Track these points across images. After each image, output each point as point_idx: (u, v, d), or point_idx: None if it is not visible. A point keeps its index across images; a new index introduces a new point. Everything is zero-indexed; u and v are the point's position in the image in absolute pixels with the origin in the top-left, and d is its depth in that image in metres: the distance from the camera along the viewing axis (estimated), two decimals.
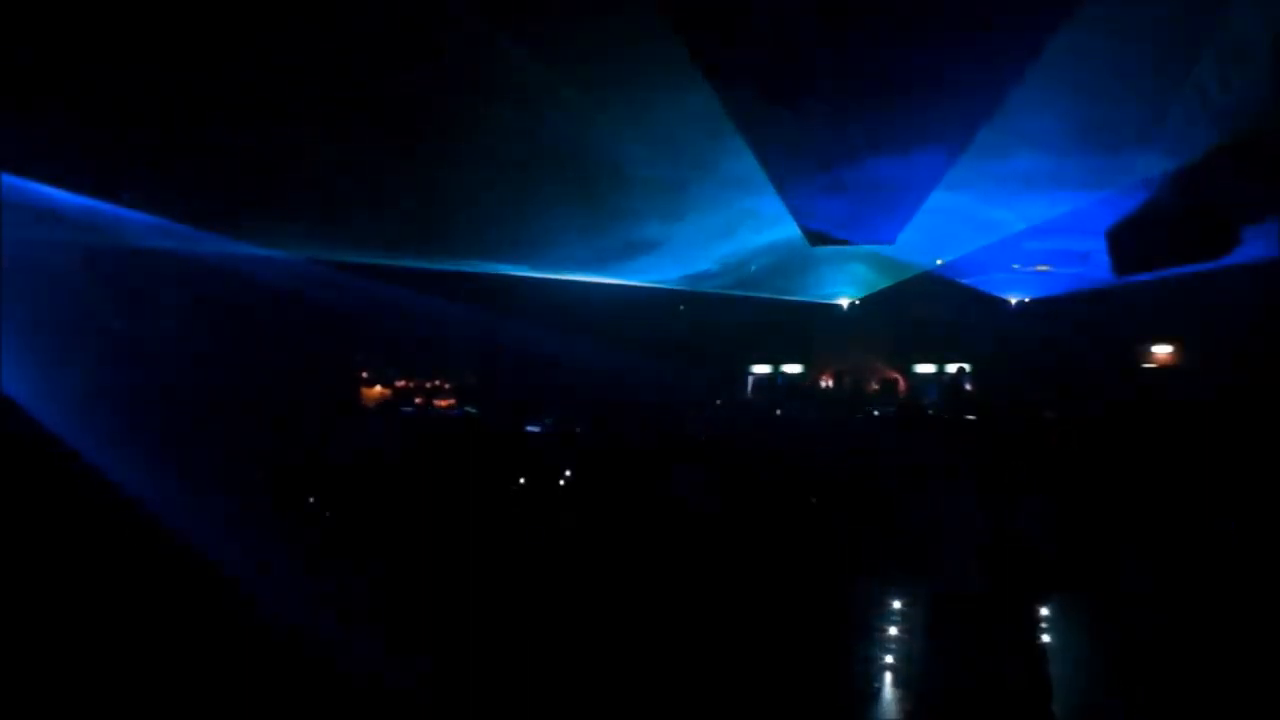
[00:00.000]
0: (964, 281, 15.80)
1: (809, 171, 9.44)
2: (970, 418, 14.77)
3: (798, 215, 11.35)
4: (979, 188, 9.89)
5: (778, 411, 15.90)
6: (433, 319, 14.47)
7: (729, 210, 11.18)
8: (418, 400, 17.65)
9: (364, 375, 17.60)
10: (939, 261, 15.09)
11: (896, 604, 7.60)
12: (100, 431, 8.52)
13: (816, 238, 12.51)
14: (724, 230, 12.17)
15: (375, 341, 16.42)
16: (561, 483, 11.25)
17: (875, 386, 18.09)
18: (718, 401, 17.01)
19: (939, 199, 10.35)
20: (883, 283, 16.08)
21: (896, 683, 6.72)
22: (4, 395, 8.36)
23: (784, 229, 12.10)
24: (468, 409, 16.56)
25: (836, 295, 17.32)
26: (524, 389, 16.14)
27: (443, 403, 17.60)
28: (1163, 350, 16.46)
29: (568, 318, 14.80)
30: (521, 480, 11.06)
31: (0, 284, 8.46)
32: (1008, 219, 11.39)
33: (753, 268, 14.65)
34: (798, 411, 15.84)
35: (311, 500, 10.14)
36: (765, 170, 9.36)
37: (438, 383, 18.06)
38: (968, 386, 17.40)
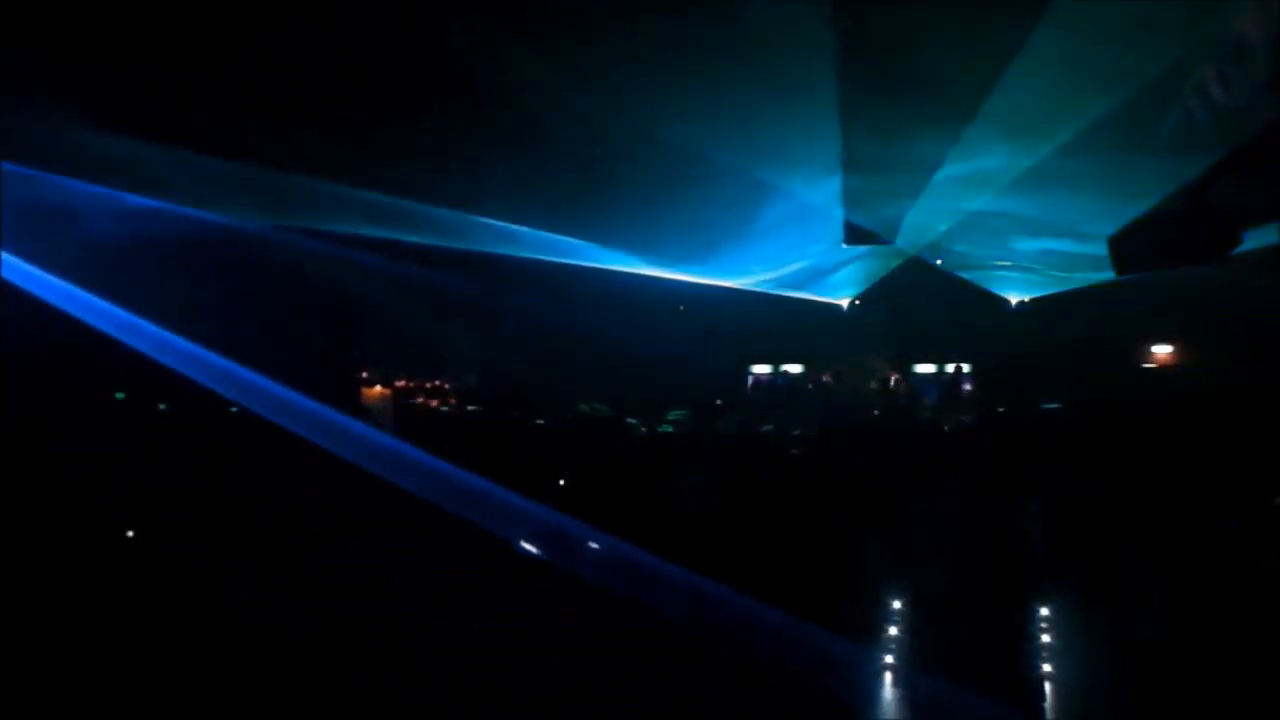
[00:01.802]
0: (965, 277, 15.75)
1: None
2: (968, 418, 14.80)
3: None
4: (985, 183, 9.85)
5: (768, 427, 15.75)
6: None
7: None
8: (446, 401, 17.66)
9: (364, 375, 17.53)
10: (938, 262, 15.08)
11: (896, 604, 7.60)
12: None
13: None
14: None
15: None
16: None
17: (875, 386, 18.09)
18: (717, 402, 17.01)
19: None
20: (883, 272, 15.96)
21: (896, 682, 6.73)
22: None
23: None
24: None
25: (837, 294, 17.30)
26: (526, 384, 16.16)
27: (452, 401, 17.59)
28: (1163, 350, 16.46)
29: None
30: None
31: None
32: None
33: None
34: (795, 416, 15.79)
35: None
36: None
37: (437, 382, 18.03)
38: (967, 386, 17.41)
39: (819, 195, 10.58)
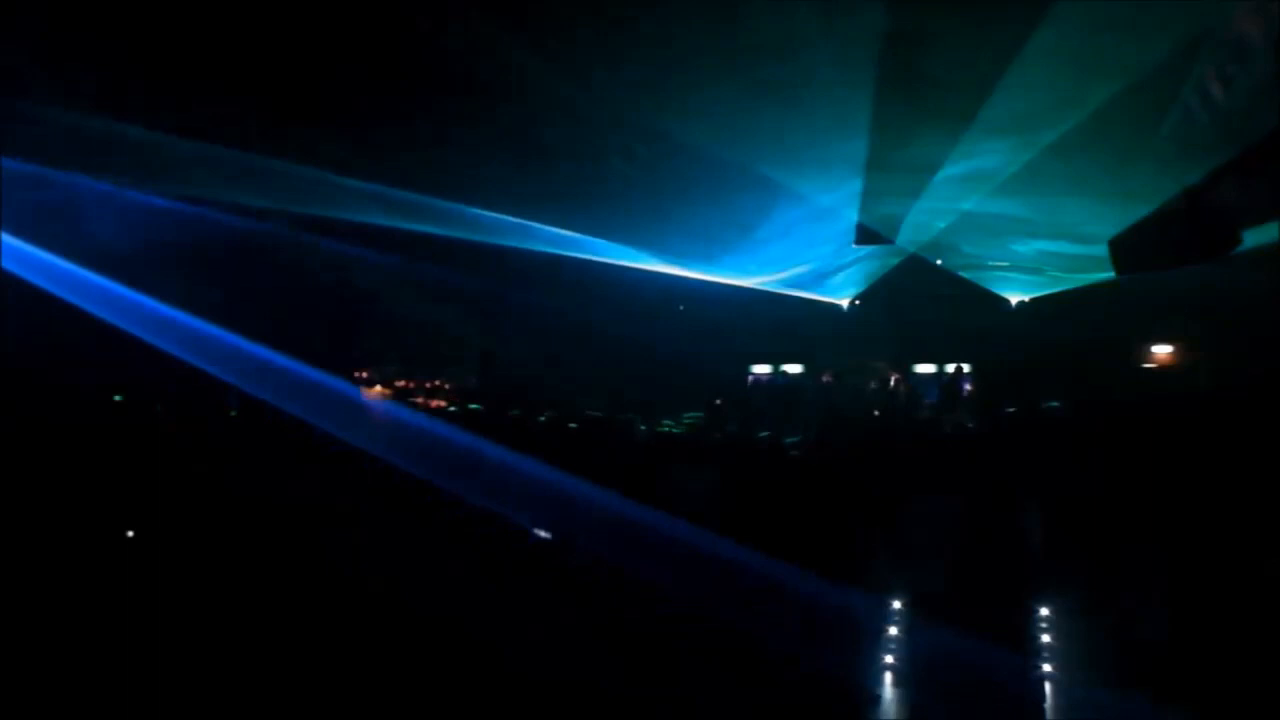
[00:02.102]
0: (965, 277, 15.74)
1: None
2: (968, 419, 14.78)
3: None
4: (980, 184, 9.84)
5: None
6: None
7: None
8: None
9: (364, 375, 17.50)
10: (939, 261, 15.09)
11: (896, 604, 7.61)
12: None
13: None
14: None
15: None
16: None
17: (875, 386, 18.07)
18: (717, 401, 16.98)
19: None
20: (883, 272, 15.93)
21: (896, 682, 6.73)
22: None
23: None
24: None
25: (838, 294, 17.28)
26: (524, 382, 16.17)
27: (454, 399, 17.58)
28: (1163, 350, 16.45)
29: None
30: None
31: None
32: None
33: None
34: (795, 417, 15.78)
35: None
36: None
37: (437, 381, 18.00)
38: (967, 387, 17.39)
39: (836, 196, 10.59)
